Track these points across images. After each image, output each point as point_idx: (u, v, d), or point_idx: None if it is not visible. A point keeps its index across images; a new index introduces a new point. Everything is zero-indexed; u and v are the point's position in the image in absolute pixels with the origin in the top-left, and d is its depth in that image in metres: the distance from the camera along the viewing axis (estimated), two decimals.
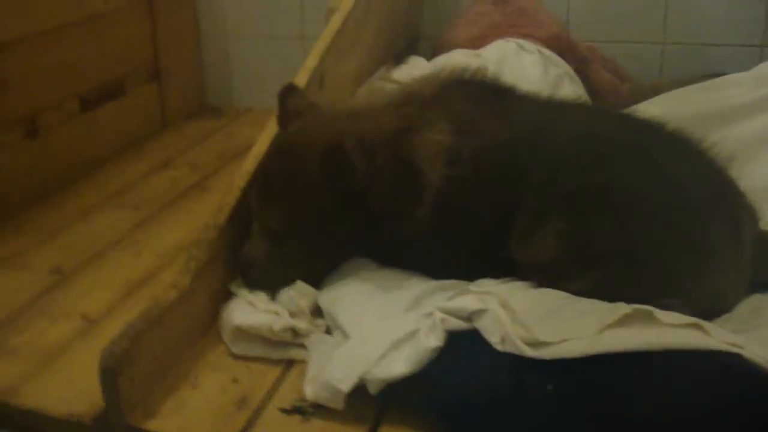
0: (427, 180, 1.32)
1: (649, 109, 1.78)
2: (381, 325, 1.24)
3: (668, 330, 1.09)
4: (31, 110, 1.94)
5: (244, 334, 1.31)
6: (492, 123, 1.37)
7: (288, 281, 1.38)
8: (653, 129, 1.40)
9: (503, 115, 1.39)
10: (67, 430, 1.21)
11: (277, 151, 1.43)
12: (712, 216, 1.27)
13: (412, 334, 1.18)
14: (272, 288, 1.39)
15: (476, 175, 1.32)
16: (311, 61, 1.73)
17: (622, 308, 1.12)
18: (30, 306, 1.50)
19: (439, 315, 1.18)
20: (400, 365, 1.15)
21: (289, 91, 1.51)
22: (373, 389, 1.15)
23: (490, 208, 1.31)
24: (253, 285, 1.40)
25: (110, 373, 1.15)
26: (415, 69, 2.04)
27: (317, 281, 1.40)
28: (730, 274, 1.27)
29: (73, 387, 1.26)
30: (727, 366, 1.04)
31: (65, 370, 1.31)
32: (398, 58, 2.20)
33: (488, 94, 1.45)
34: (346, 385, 1.15)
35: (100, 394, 1.18)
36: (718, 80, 1.85)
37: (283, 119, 1.49)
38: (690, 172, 1.31)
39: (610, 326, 1.10)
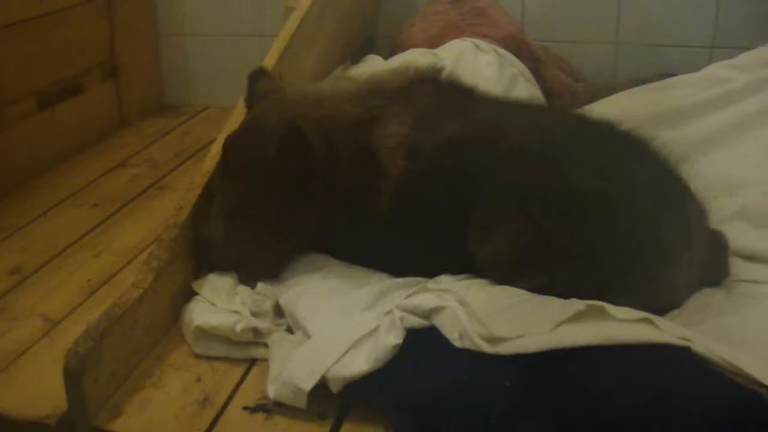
0: (386, 171, 1.35)
1: (602, 108, 1.82)
2: (341, 323, 1.26)
3: (621, 325, 1.12)
4: None
5: (206, 334, 1.32)
6: (453, 120, 1.40)
7: (244, 260, 1.41)
8: (606, 129, 1.43)
9: (465, 114, 1.42)
10: None
11: (240, 130, 1.45)
12: (663, 214, 1.30)
13: (372, 332, 1.20)
14: (229, 267, 1.42)
15: (434, 169, 1.35)
16: (270, 60, 1.74)
17: (576, 305, 1.16)
18: None
19: (398, 313, 1.20)
20: (360, 363, 1.17)
21: (258, 75, 1.54)
22: (334, 387, 1.17)
23: (446, 202, 1.34)
24: (210, 264, 1.43)
25: (74, 374, 1.16)
26: (371, 68, 2.05)
27: (275, 265, 1.42)
28: (681, 270, 1.31)
29: (35, 389, 1.26)
30: (678, 359, 1.08)
31: (27, 371, 1.31)
32: (355, 57, 2.21)
33: (452, 93, 1.48)
34: (308, 384, 1.16)
35: (63, 395, 1.18)
36: (670, 80, 1.90)
37: (250, 101, 1.52)
38: (642, 171, 1.35)
39: (565, 322, 1.13)
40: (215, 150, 1.51)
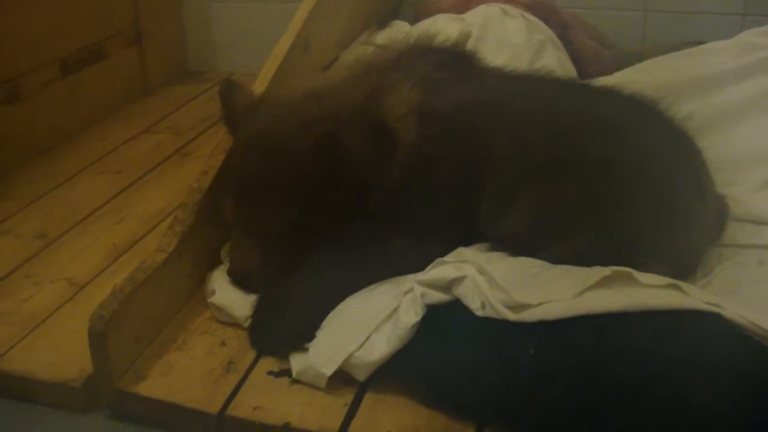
0: (399, 139, 1.32)
1: (631, 75, 1.79)
2: (360, 307, 1.24)
3: (648, 291, 1.10)
4: (11, 75, 1.92)
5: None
6: (459, 85, 1.37)
7: (288, 280, 1.32)
8: (611, 96, 1.42)
9: (468, 80, 1.40)
10: (56, 395, 1.22)
11: (252, 153, 1.34)
12: (678, 174, 1.29)
13: (392, 314, 1.18)
14: (275, 289, 1.33)
15: (449, 133, 1.32)
16: (295, 25, 1.72)
17: (602, 270, 1.14)
18: (16, 271, 1.50)
19: (419, 289, 1.18)
20: (382, 347, 1.15)
21: (230, 88, 1.43)
22: (360, 375, 1.16)
23: (460, 168, 1.31)
24: (255, 293, 1.33)
25: (99, 337, 1.16)
26: (397, 33, 2.03)
27: None
28: (699, 228, 1.30)
29: (60, 352, 1.27)
30: (708, 325, 1.06)
31: (52, 334, 1.32)
32: (381, 23, 2.19)
33: (450, 60, 1.45)
34: (328, 370, 1.16)
35: (88, 358, 1.19)
36: (700, 48, 1.86)
37: (231, 117, 1.42)
38: (653, 133, 1.33)
39: (590, 288, 1.11)
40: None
